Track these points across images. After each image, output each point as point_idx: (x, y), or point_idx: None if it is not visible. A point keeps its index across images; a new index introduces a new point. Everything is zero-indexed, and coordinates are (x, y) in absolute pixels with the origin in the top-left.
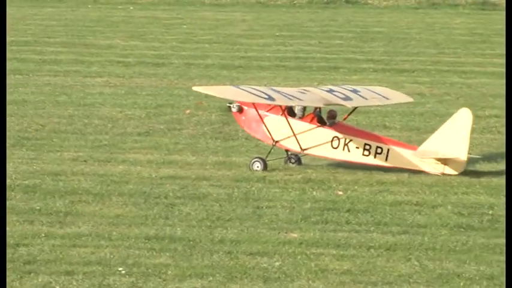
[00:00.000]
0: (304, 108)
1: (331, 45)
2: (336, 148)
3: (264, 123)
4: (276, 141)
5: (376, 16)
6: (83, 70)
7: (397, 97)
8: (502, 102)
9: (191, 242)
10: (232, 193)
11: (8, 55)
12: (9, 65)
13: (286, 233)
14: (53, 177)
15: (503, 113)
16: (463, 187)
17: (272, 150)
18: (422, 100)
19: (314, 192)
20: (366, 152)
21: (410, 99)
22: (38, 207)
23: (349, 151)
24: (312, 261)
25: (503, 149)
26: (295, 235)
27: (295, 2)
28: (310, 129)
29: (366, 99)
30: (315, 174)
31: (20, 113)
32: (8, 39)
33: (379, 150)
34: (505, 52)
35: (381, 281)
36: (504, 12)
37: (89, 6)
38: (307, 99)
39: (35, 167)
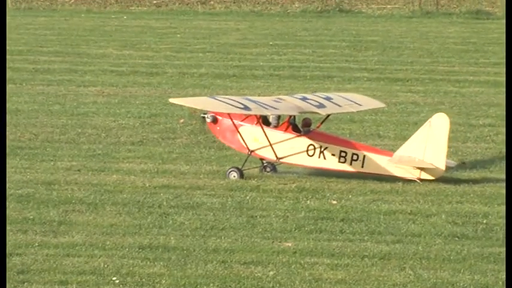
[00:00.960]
0: (279, 117)
1: (325, 54)
2: (311, 156)
3: (239, 133)
4: (252, 151)
5: (369, 25)
6: (76, 79)
7: (370, 103)
8: (496, 111)
9: (185, 252)
10: (226, 202)
11: None
12: None
13: (280, 242)
14: (46, 186)
15: (498, 122)
16: (457, 196)
17: (249, 159)
18: (416, 109)
19: (308, 202)
20: (342, 159)
21: (383, 105)
22: (31, 217)
23: (325, 158)
24: (306, 270)
25: (498, 158)
26: (289, 244)
27: (288, 11)
28: (285, 138)
29: (340, 106)
30: (309, 183)
31: (13, 122)
32: None
33: (354, 157)
34: (503, 60)
35: None
36: (498, 21)
37: (82, 15)
38: (282, 107)
39: (28, 177)
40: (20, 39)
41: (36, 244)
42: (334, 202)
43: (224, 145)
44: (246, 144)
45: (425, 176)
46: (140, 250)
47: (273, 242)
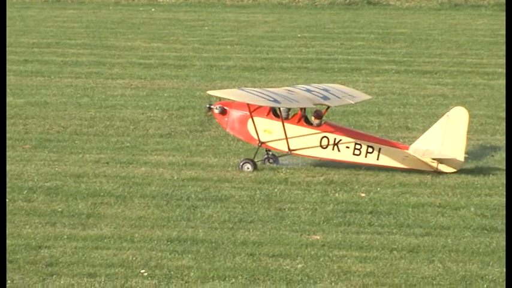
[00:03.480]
0: (289, 110)
1: (353, 47)
2: (325, 148)
3: (254, 124)
4: (262, 142)
5: (398, 17)
6: (104, 72)
7: (359, 95)
8: None
9: (213, 244)
10: (254, 195)
11: (30, 57)
12: (31, 67)
13: (308, 235)
14: (75, 179)
15: None
16: (486, 189)
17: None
18: (445, 102)
19: (336, 194)
20: (357, 152)
21: (369, 97)
22: (60, 209)
23: (339, 151)
24: (335, 263)
25: None
26: (318, 237)
27: (316, 4)
28: (297, 130)
29: (339, 98)
30: (337, 176)
31: (41, 114)
32: (29, 41)
33: (370, 150)
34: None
35: (404, 283)
36: None
37: (111, 8)
38: (300, 100)
39: (57, 169)
40: (48, 32)
41: (65, 237)
42: (363, 195)
43: None
44: (256, 135)
45: (444, 168)
46: (168, 243)
47: (301, 234)
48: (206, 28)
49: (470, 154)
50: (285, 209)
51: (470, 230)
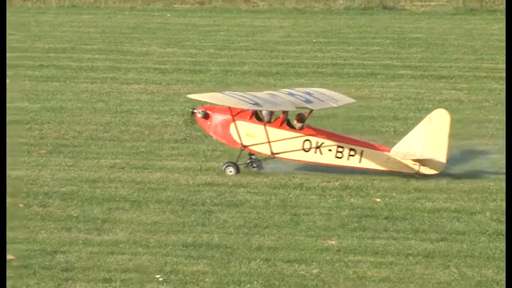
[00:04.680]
0: (271, 113)
1: (369, 52)
2: (307, 151)
3: (236, 127)
4: (245, 146)
5: (413, 22)
6: (119, 77)
7: (342, 99)
8: None
9: (229, 249)
10: (269, 200)
11: (46, 62)
12: (47, 72)
13: (324, 240)
14: (90, 184)
15: None
16: (501, 194)
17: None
18: (461, 107)
19: (352, 199)
20: (339, 154)
21: (352, 100)
22: (75, 215)
23: (321, 154)
24: (350, 268)
25: None
26: (333, 242)
27: (332, 9)
28: (280, 133)
29: (322, 101)
30: (353, 181)
31: (57, 119)
32: (45, 46)
33: (352, 153)
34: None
35: None
36: None
37: (126, 13)
38: (282, 103)
39: (72, 174)
40: (63, 37)
41: (80, 242)
42: (378, 200)
43: None
44: (239, 139)
45: (426, 170)
46: (184, 248)
47: (316, 240)
48: (222, 33)
49: (486, 159)
50: (300, 214)
51: (485, 235)
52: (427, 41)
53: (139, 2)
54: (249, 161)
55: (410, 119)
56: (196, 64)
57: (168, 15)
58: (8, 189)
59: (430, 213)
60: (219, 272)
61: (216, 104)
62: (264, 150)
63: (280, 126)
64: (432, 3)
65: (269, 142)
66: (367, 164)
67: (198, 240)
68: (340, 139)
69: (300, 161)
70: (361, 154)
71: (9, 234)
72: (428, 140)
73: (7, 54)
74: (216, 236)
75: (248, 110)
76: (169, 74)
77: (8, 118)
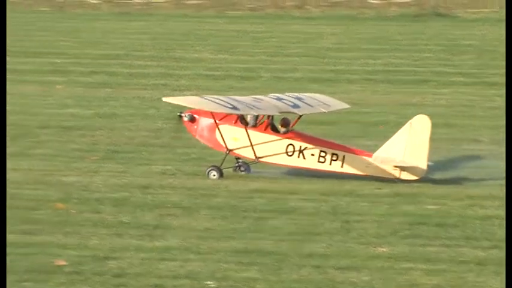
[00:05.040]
0: (257, 117)
1: (421, 58)
2: (291, 156)
3: (220, 131)
4: (230, 150)
5: (465, 29)
6: (171, 83)
7: (335, 104)
8: None
9: (280, 256)
10: (320, 207)
11: (97, 69)
12: (98, 79)
13: (375, 247)
14: (141, 190)
15: None
16: None
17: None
18: None
19: (403, 206)
20: (322, 159)
21: (347, 106)
22: (127, 221)
23: (304, 158)
24: (401, 275)
25: None
26: (384, 249)
27: (384, 15)
28: (264, 138)
29: (311, 106)
30: (404, 188)
31: (109, 126)
32: (96, 52)
33: (334, 157)
34: None
35: None
36: None
37: (178, 19)
38: (264, 107)
39: (123, 180)
40: (115, 43)
41: (132, 248)
42: (430, 207)
43: None
44: (224, 143)
45: (406, 176)
46: (235, 254)
47: (367, 247)
48: (273, 40)
49: None
50: (351, 221)
51: None
52: (479, 47)
53: (192, 9)
54: (236, 165)
55: (462, 126)
56: (247, 71)
57: (220, 21)
58: (60, 195)
59: (482, 221)
60: (270, 278)
61: (193, 108)
62: (249, 154)
63: (265, 130)
64: (485, 10)
65: (252, 146)
66: (348, 169)
67: (249, 247)
68: (322, 144)
69: (283, 165)
70: (343, 159)
71: (61, 240)
72: (408, 146)
73: (58, 61)
74: (267, 242)
75: (228, 114)
76: (220, 81)
77: (60, 124)
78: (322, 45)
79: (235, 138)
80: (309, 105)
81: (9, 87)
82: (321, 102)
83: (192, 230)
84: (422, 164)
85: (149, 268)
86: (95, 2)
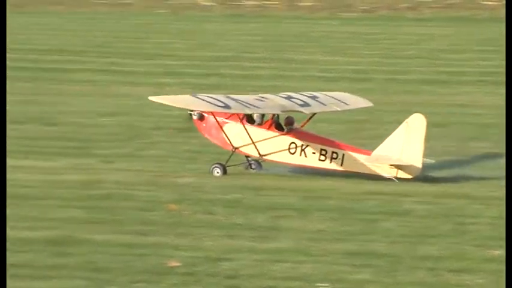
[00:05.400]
0: (263, 116)
1: None
2: (293, 154)
3: (223, 130)
4: (236, 148)
5: None
6: (283, 85)
7: (356, 102)
8: None
9: (393, 258)
10: (434, 209)
11: (210, 70)
12: (211, 80)
13: (489, 250)
14: (254, 192)
15: None
16: None
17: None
18: None
19: None
20: (322, 157)
21: (370, 104)
22: (239, 222)
23: (305, 156)
24: None
25: None
26: (499, 252)
27: (498, 17)
28: (267, 136)
29: (324, 105)
30: None
31: None
32: (209, 54)
33: (334, 156)
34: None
35: None
36: None
37: (290, 21)
38: (264, 106)
39: (236, 182)
40: (227, 45)
41: (245, 249)
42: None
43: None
44: (230, 141)
45: (402, 174)
46: (347, 256)
47: (482, 249)
48: (386, 41)
49: None
50: (465, 224)
51: None
52: None
53: (305, 10)
54: (247, 163)
55: None
56: (360, 72)
57: (334, 23)
58: (174, 196)
59: None
60: (384, 280)
61: (177, 106)
62: (253, 152)
63: (269, 128)
64: None
65: (253, 143)
66: (348, 167)
67: (362, 249)
68: (323, 142)
69: (286, 163)
70: (343, 157)
71: (174, 241)
72: (406, 144)
73: (173, 63)
74: (380, 244)
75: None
76: (333, 83)
77: (173, 126)
78: (435, 46)
79: (240, 137)
80: (322, 103)
81: (125, 89)
82: (338, 100)
83: (305, 231)
84: (418, 162)
85: (262, 270)
86: (208, 4)
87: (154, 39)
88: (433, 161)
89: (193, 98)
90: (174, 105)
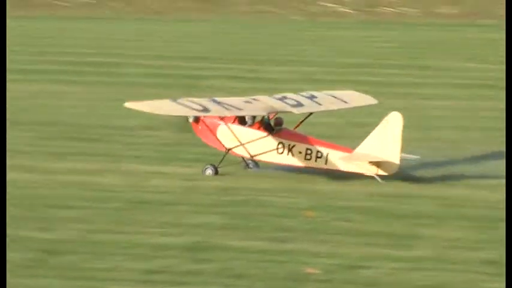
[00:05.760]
0: (254, 117)
1: None
2: (281, 154)
3: (215, 132)
4: (229, 149)
5: None
6: (416, 92)
7: (359, 101)
8: None
9: None
10: None
11: (342, 77)
12: (347, 87)
13: None
14: (391, 199)
15: None
16: None
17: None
18: None
19: None
20: (308, 157)
21: (375, 101)
22: (376, 229)
23: (293, 156)
24: None
25: None
26: None
27: None
28: (257, 136)
29: (320, 104)
30: None
31: (358, 135)
32: (345, 61)
33: (319, 154)
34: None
35: None
36: None
37: (426, 27)
38: (248, 108)
39: (370, 189)
40: (363, 52)
41: (382, 257)
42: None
43: None
44: (221, 142)
45: (381, 172)
46: (482, 265)
47: None
48: None
49: None
50: None
51: None
52: None
53: (442, 17)
54: (245, 163)
55: None
56: (493, 79)
57: (471, 30)
58: (311, 202)
59: None
60: None
61: (152, 113)
62: (244, 152)
63: (259, 129)
64: None
65: (242, 144)
66: (331, 165)
67: (498, 258)
68: (309, 141)
69: (274, 163)
70: (327, 156)
71: (311, 248)
72: (385, 142)
73: (311, 69)
74: None
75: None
76: (469, 89)
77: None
78: None
79: (231, 138)
80: (318, 103)
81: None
82: (337, 99)
83: (442, 239)
84: (395, 159)
85: (401, 278)
86: (345, 10)
87: (292, 46)
88: (418, 157)
89: (171, 103)
90: (151, 111)
